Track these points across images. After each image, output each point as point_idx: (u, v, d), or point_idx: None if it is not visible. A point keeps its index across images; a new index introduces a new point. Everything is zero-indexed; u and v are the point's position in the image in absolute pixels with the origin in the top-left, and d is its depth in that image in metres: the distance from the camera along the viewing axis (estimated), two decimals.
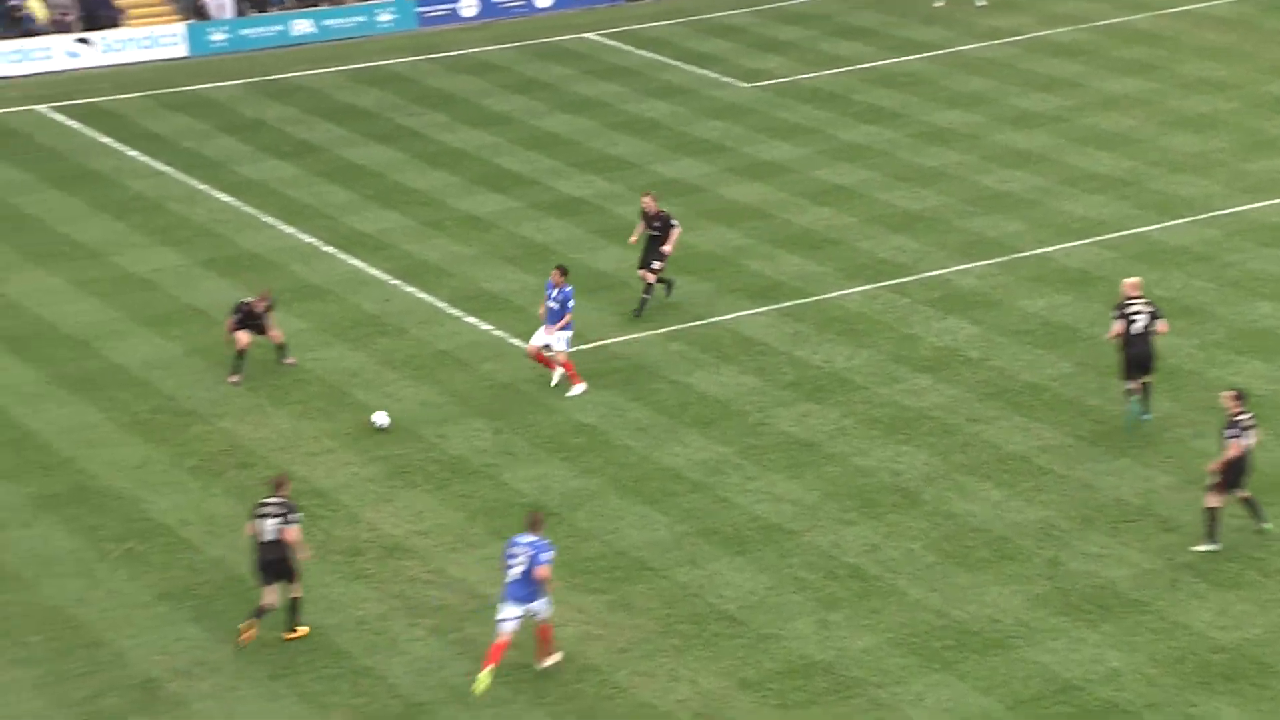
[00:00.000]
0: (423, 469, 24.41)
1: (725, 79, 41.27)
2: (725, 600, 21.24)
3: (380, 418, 25.18)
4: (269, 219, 33.45)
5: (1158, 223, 32.16)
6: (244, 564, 21.96)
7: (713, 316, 29.05)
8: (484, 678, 19.07)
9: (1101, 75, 40.30)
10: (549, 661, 19.79)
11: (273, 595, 20.03)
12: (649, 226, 28.71)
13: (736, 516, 23.08)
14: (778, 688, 19.62)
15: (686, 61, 42.55)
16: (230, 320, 26.86)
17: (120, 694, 19.53)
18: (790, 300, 29.55)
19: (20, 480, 23.79)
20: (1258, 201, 32.86)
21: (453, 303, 29.81)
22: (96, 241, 32.16)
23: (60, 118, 38.72)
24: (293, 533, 19.92)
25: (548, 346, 26.24)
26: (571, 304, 26.19)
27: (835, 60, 42.18)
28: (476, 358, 27.79)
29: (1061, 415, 25.49)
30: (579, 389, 26.11)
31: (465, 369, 27.43)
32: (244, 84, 41.57)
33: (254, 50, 43.99)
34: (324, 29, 44.87)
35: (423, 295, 30.16)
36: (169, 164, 36.05)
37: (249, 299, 27.16)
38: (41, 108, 39.23)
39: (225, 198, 34.45)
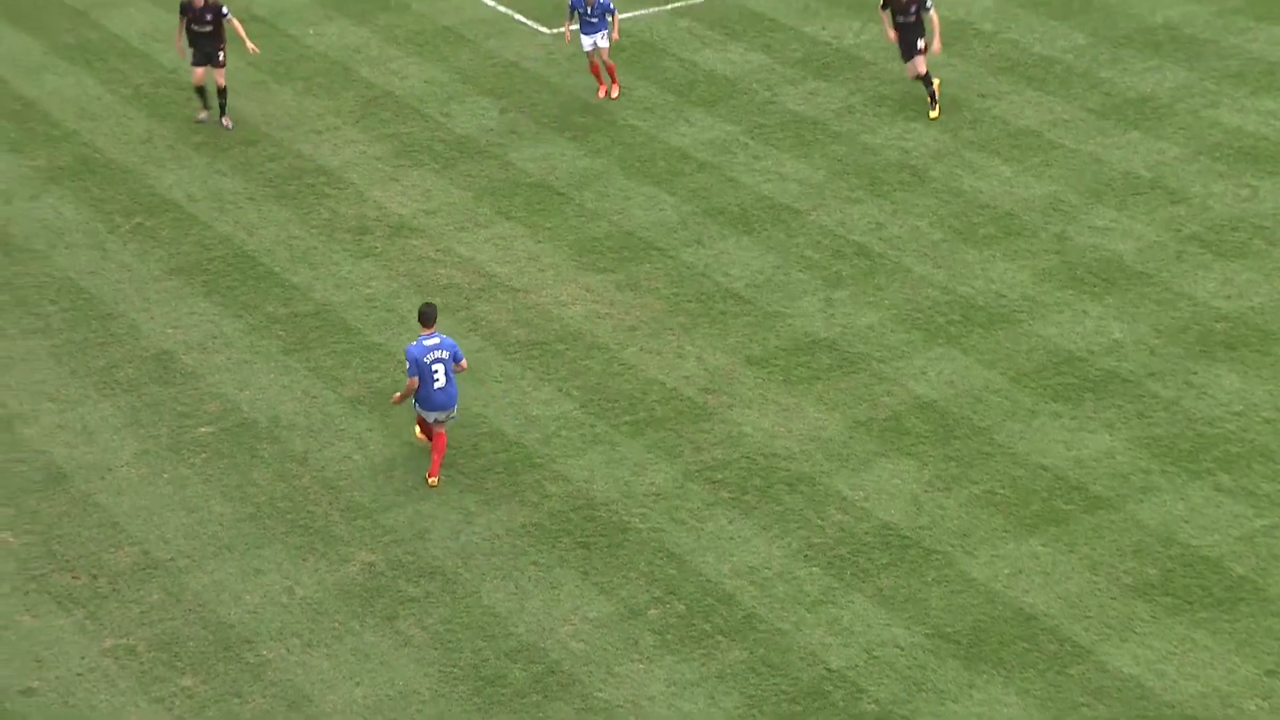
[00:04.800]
0: (429, 148, 24.29)
1: None
2: (732, 279, 21.40)
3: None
4: None
5: None
6: (252, 241, 22.09)
7: None
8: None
9: None
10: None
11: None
12: None
13: (743, 196, 23.06)
14: (783, 364, 19.92)
15: None
16: (179, 30, 23.78)
17: (136, 365, 19.89)
18: None
19: (25, 153, 23.71)
20: None
21: None
22: None
23: None
24: None
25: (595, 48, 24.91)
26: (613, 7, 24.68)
27: None
28: (480, 34, 27.35)
29: (1074, 88, 25.18)
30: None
31: (469, 46, 27.03)
32: None
33: None
34: None
35: None
36: None
37: None
38: None
39: None
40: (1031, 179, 23.15)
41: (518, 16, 27.89)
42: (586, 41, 24.91)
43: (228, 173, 23.65)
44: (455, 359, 17.75)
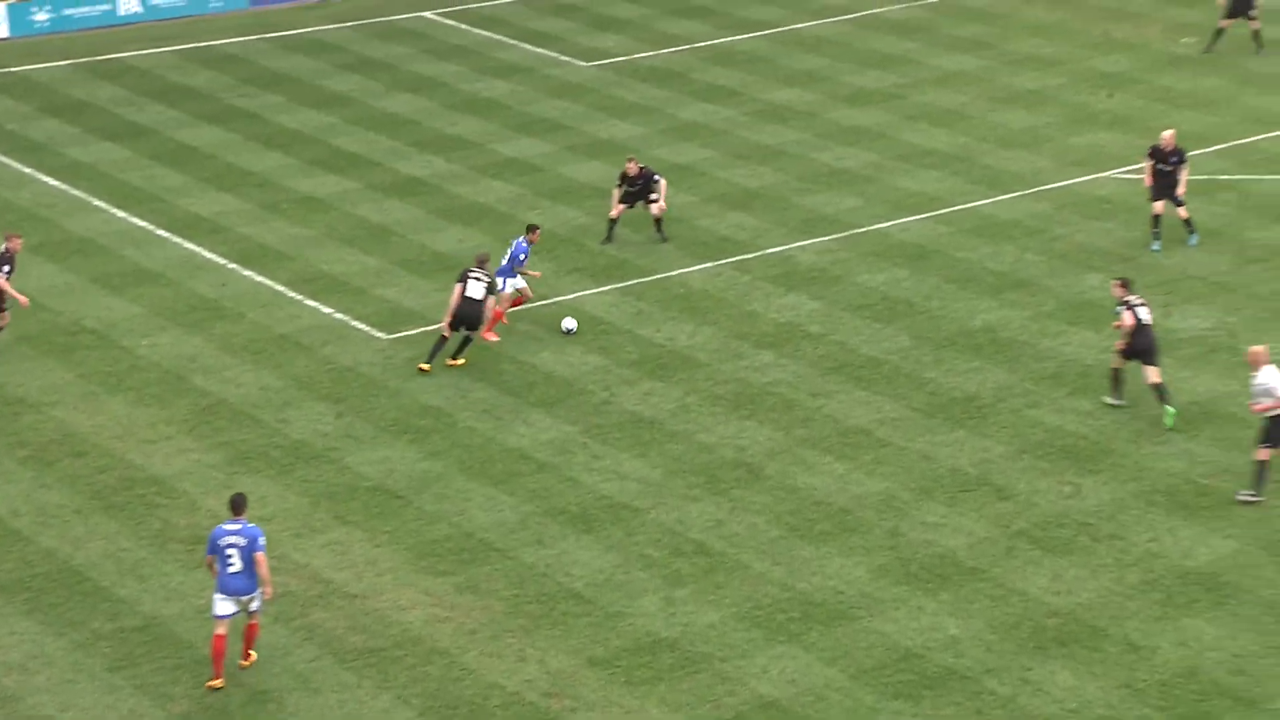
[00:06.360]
0: (265, 454, 24.10)
1: (564, 58, 41.24)
2: (573, 579, 21.31)
3: (569, 323, 27.29)
4: (99, 203, 32.72)
5: (990, 197, 32.83)
6: (78, 555, 21.50)
7: (556, 296, 29.06)
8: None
9: (934, 52, 40.98)
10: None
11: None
12: (631, 186, 30.50)
13: (583, 495, 23.15)
14: (625, 664, 19.74)
15: (525, 40, 42.43)
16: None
17: None
18: (633, 279, 29.67)
19: None
20: (1084, 175, 33.69)
21: (292, 286, 29.44)
22: None
23: None
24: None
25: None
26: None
27: (672, 39, 42.36)
28: (317, 341, 27.50)
29: (900, 388, 25.94)
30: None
31: (306, 352, 27.13)
32: (70, 65, 40.59)
33: (79, 30, 42.92)
34: (151, 8, 43.91)
35: (261, 279, 29.74)
36: None
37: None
38: None
39: (53, 181, 33.62)
40: (864, 475, 23.61)
41: (355, 323, 28.14)
42: (513, 284, 27.63)
43: (54, 485, 23.16)
44: (253, 549, 18.82)
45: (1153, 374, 24.58)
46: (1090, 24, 42.46)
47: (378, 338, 27.69)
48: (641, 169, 30.32)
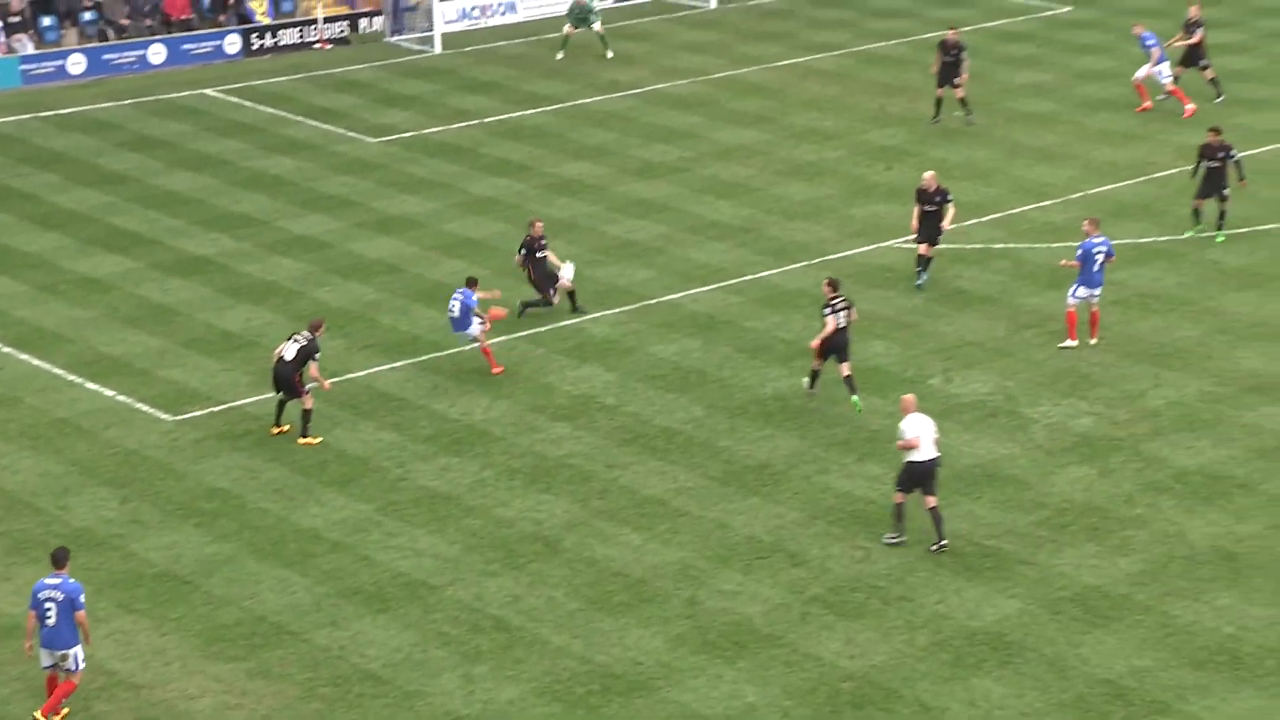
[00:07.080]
0: (44, 543, 23.31)
1: (351, 134, 41.02)
2: (369, 660, 20.98)
3: (567, 271, 29.44)
4: None
5: (776, 267, 33.45)
6: None
7: (348, 373, 28.75)
8: None
9: (718, 126, 41.74)
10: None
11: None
12: (535, 250, 30.72)
13: (378, 574, 22.85)
14: None
15: (310, 117, 42.12)
16: None
17: None
18: (426, 354, 29.51)
19: None
20: (866, 245, 34.56)
21: (71, 368, 28.64)
22: None
23: None
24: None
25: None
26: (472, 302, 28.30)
27: (461, 114, 42.44)
28: (99, 425, 26.76)
29: (695, 457, 26.18)
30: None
31: (87, 437, 26.38)
32: None
33: None
34: None
35: (38, 362, 28.88)
36: None
37: None
38: None
39: None
40: (660, 545, 23.74)
41: (138, 405, 27.47)
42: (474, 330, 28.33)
43: None
44: (73, 605, 19.04)
45: (845, 368, 27.17)
46: (866, 99, 43.71)
47: (163, 419, 27.06)
48: (542, 234, 30.72)
